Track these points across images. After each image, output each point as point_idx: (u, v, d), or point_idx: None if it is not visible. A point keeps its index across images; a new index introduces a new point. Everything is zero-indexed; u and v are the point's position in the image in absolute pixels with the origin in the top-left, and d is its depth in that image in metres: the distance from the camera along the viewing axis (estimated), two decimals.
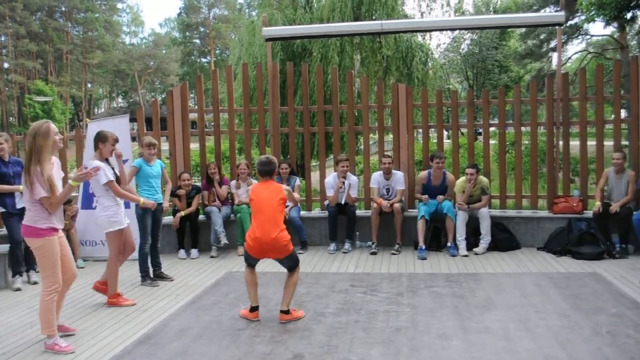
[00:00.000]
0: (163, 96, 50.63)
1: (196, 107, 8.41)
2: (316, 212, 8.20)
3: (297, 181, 7.87)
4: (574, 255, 6.68)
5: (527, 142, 9.72)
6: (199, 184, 8.01)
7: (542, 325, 4.36)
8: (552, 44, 22.19)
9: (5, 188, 6.01)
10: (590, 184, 8.43)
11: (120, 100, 64.18)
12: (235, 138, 8.45)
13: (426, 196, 7.31)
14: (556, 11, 17.64)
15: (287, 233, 4.59)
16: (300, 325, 4.53)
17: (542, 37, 22.73)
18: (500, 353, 3.84)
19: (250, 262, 4.76)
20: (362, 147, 9.91)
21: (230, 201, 7.86)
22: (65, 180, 4.48)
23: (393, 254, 7.18)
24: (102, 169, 5.02)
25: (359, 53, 15.49)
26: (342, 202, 7.45)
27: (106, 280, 5.32)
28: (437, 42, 38.43)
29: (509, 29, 25.55)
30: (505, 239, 7.24)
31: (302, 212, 7.99)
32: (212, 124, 8.54)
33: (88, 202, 7.33)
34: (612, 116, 7.83)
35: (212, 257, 7.34)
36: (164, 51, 58.80)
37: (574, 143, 7.94)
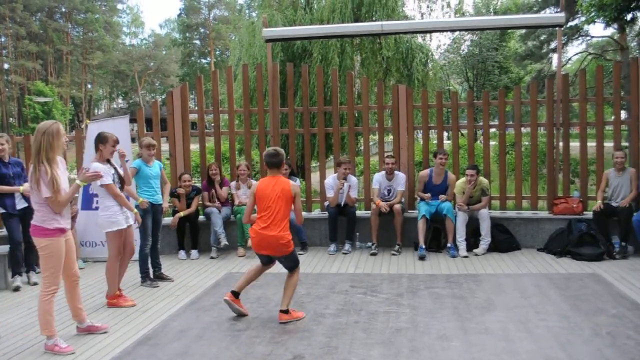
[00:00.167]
0: (163, 97, 50.63)
1: (196, 108, 8.41)
2: (316, 213, 8.21)
3: (297, 182, 7.86)
4: (574, 256, 6.68)
5: (527, 143, 9.72)
6: (198, 184, 8.00)
7: (542, 326, 4.36)
8: (552, 45, 22.20)
9: (5, 189, 6.01)
10: (590, 185, 8.44)
11: (120, 101, 64.19)
12: (235, 139, 8.45)
13: (429, 195, 7.31)
14: (556, 12, 17.65)
15: (288, 233, 4.59)
16: (300, 326, 4.53)
17: (542, 38, 22.74)
18: (501, 354, 3.83)
19: (260, 258, 4.78)
20: (362, 148, 9.91)
21: (230, 202, 7.85)
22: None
23: (393, 254, 7.18)
24: (102, 170, 5.02)
25: (359, 54, 15.50)
26: (342, 203, 7.45)
27: (114, 293, 5.32)
28: (438, 43, 38.41)
29: (509, 30, 25.52)
30: (505, 239, 7.24)
31: (302, 213, 7.96)
32: (212, 124, 8.54)
33: (88, 202, 7.33)
34: (612, 117, 7.83)
35: (212, 258, 7.34)
36: (164, 52, 58.82)
37: (574, 144, 7.94)
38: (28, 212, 6.24)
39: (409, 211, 7.79)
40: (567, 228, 7.06)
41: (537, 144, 7.90)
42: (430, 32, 16.41)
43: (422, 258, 6.85)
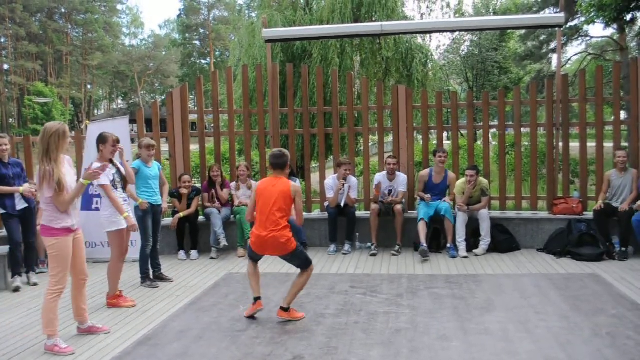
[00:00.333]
0: (163, 98, 50.63)
1: (196, 108, 8.41)
2: (316, 213, 8.21)
3: (297, 183, 7.86)
4: (573, 257, 6.68)
5: (527, 144, 9.72)
6: (198, 185, 8.00)
7: (542, 326, 4.36)
8: (552, 45, 22.18)
9: (5, 189, 6.01)
10: (590, 186, 8.43)
11: (120, 101, 64.19)
12: (235, 139, 8.45)
13: (429, 195, 7.31)
14: (556, 13, 17.67)
15: (288, 231, 4.59)
16: (300, 326, 4.53)
17: (542, 38, 22.73)
18: (500, 354, 3.84)
19: (254, 257, 4.79)
20: (362, 148, 9.91)
21: (230, 202, 7.85)
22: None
23: (393, 255, 7.18)
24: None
25: (358, 54, 15.49)
26: (342, 204, 7.45)
27: (114, 293, 5.32)
28: (437, 44, 38.52)
29: (509, 31, 25.56)
30: (505, 240, 7.24)
31: (303, 214, 7.97)
32: (212, 125, 8.54)
33: (88, 203, 7.32)
34: (612, 118, 7.83)
35: (211, 258, 7.34)
36: (163, 53, 58.81)
37: (574, 144, 7.94)
38: (28, 213, 6.29)
39: (409, 212, 7.79)
40: (567, 228, 7.06)
41: (536, 145, 7.90)
42: (430, 32, 16.40)
43: (424, 254, 6.79)
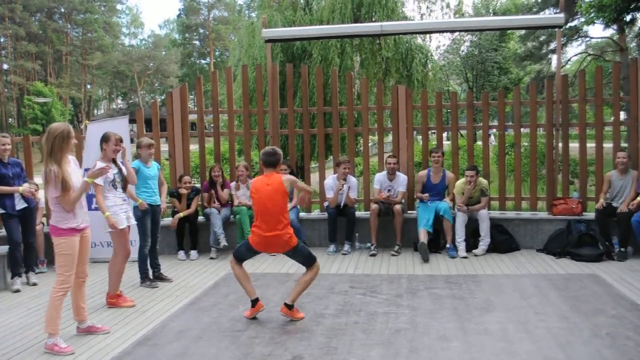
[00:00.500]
0: (162, 97, 50.61)
1: (196, 108, 8.41)
2: (315, 213, 8.21)
3: (298, 182, 7.85)
4: (573, 257, 6.68)
5: (526, 144, 9.73)
6: (198, 185, 8.00)
7: (542, 326, 4.36)
8: (552, 46, 22.20)
9: (5, 189, 6.01)
10: (589, 186, 8.43)
11: (119, 101, 64.18)
12: (234, 139, 8.45)
13: (427, 195, 7.32)
14: (556, 13, 17.68)
15: (290, 228, 4.60)
16: (300, 326, 4.53)
17: (541, 39, 22.75)
18: (500, 355, 3.84)
19: (245, 257, 4.77)
20: (361, 148, 9.91)
21: (230, 203, 7.85)
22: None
23: (393, 255, 7.18)
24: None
25: (358, 55, 15.48)
26: (342, 204, 7.45)
27: (115, 293, 5.32)
28: (437, 44, 38.50)
29: (509, 31, 25.57)
30: (504, 240, 7.24)
31: (302, 214, 7.99)
32: (212, 125, 8.54)
33: (88, 203, 7.29)
34: (612, 118, 7.84)
35: (211, 258, 7.34)
36: (163, 52, 58.81)
37: (574, 145, 7.95)
38: (27, 213, 6.29)
39: (409, 212, 7.79)
40: (567, 229, 7.06)
41: (536, 145, 7.90)
42: (430, 32, 16.37)
43: (423, 247, 6.79)
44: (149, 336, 4.42)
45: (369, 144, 8.81)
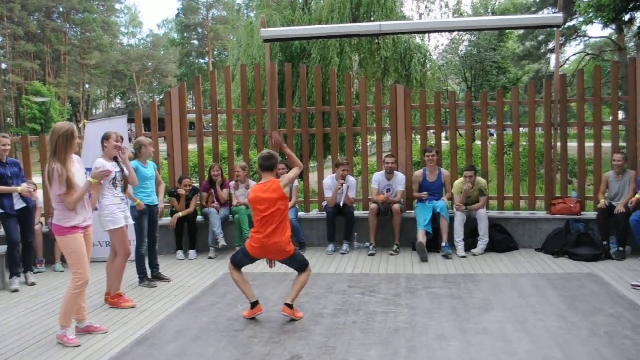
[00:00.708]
0: (161, 97, 50.59)
1: (194, 108, 8.40)
2: (314, 213, 8.20)
3: (296, 182, 7.87)
4: (571, 257, 6.69)
5: (525, 144, 9.72)
6: (197, 185, 8.00)
7: (540, 326, 4.36)
8: (551, 45, 22.20)
9: (4, 189, 6.00)
10: (588, 186, 8.44)
11: (118, 101, 64.14)
12: (233, 139, 8.45)
13: (425, 193, 7.33)
14: (554, 13, 17.67)
15: (289, 236, 4.61)
16: (299, 326, 4.53)
17: (540, 38, 22.75)
18: (499, 354, 3.84)
19: (243, 264, 4.76)
20: (360, 148, 9.91)
21: (229, 202, 7.84)
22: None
23: (391, 255, 7.18)
24: (101, 166, 5.10)
25: (357, 54, 15.48)
26: (341, 204, 7.45)
27: (116, 293, 5.32)
28: (436, 44, 38.49)
29: (508, 31, 25.54)
30: (503, 240, 7.24)
31: (301, 214, 7.99)
32: (211, 125, 8.54)
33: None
34: (610, 118, 7.84)
35: (210, 258, 7.34)
36: (162, 52, 58.77)
37: (572, 144, 7.95)
38: (26, 213, 6.28)
39: (408, 211, 7.79)
40: (565, 228, 7.07)
41: (535, 145, 7.91)
42: (429, 32, 16.39)
43: (420, 247, 6.80)
44: (148, 336, 4.41)
45: (368, 144, 8.81)
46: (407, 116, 7.89)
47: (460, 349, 3.95)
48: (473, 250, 7.10)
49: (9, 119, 48.75)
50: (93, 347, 4.21)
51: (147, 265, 6.13)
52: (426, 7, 19.03)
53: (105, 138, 5.27)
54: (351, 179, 7.61)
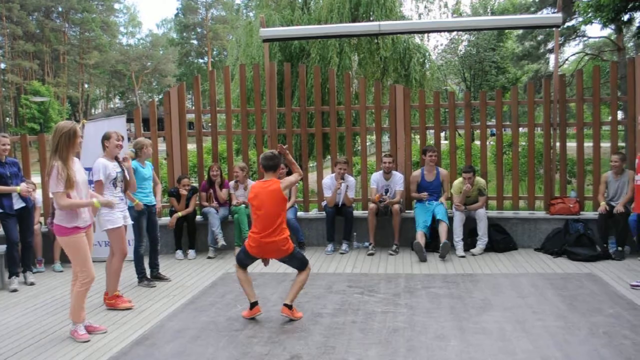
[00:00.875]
0: (160, 97, 50.56)
1: (193, 107, 8.40)
2: (313, 213, 8.20)
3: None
4: (570, 256, 6.69)
5: (524, 144, 9.73)
6: (196, 184, 7.99)
7: (539, 326, 4.37)
8: (550, 45, 22.20)
9: (3, 189, 5.99)
10: (587, 186, 8.44)
11: (117, 100, 64.07)
12: (232, 139, 8.45)
13: (426, 193, 7.33)
14: (553, 13, 17.67)
15: (287, 235, 4.61)
16: (298, 325, 4.53)
17: (539, 38, 22.75)
18: (498, 354, 3.84)
19: (246, 262, 4.76)
20: (359, 148, 9.91)
21: (228, 202, 7.84)
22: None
23: (390, 254, 7.19)
24: (102, 166, 5.18)
25: (356, 54, 15.49)
26: (340, 203, 7.45)
27: (114, 293, 5.32)
28: (435, 44, 38.43)
29: (507, 31, 25.55)
30: (502, 240, 7.25)
31: (300, 213, 7.99)
32: (210, 124, 8.53)
33: None
34: (609, 118, 7.85)
35: (209, 258, 7.34)
36: (161, 52, 58.70)
37: (571, 144, 7.96)
38: (25, 213, 6.29)
39: (407, 211, 7.79)
40: (564, 228, 7.08)
41: (534, 144, 7.92)
42: (428, 32, 16.40)
43: (418, 247, 6.79)
44: (147, 336, 4.41)
45: (367, 144, 8.81)
46: (406, 116, 7.89)
47: (459, 348, 3.95)
48: (472, 250, 7.10)
49: (7, 118, 48.68)
50: (93, 347, 4.21)
51: (146, 265, 6.13)
52: (425, 7, 19.02)
53: (106, 138, 5.31)
54: (350, 179, 7.61)
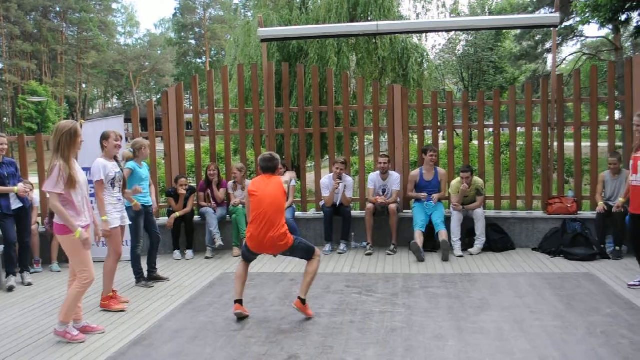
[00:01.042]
0: (158, 97, 50.47)
1: (191, 107, 8.39)
2: (311, 212, 8.20)
3: (293, 182, 7.86)
4: (566, 256, 6.70)
5: (522, 143, 9.74)
6: (193, 184, 7.98)
7: (537, 325, 4.37)
8: (547, 45, 22.24)
9: (0, 189, 5.98)
10: (584, 185, 8.45)
11: (115, 100, 63.95)
12: (230, 139, 8.44)
13: (425, 194, 7.33)
14: (551, 13, 17.69)
15: (285, 230, 4.59)
16: (296, 325, 4.53)
17: (537, 38, 22.79)
18: (495, 353, 3.85)
19: (249, 257, 4.76)
20: (357, 148, 9.91)
21: (226, 202, 7.84)
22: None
23: (388, 254, 7.19)
24: (102, 166, 5.16)
25: (354, 54, 15.49)
26: (338, 203, 7.45)
27: (107, 295, 5.30)
28: (433, 44, 38.52)
29: (505, 31, 25.60)
30: (500, 239, 7.26)
31: (298, 213, 7.99)
32: (208, 124, 8.54)
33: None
34: (607, 117, 7.86)
35: (207, 258, 7.34)
36: (159, 52, 58.63)
37: (569, 144, 7.97)
38: (23, 213, 6.27)
39: (404, 211, 7.79)
40: (562, 228, 7.09)
41: (531, 144, 7.93)
42: (426, 32, 16.42)
43: (415, 247, 6.80)
44: (145, 336, 4.41)
45: (365, 144, 8.81)
46: (404, 116, 7.89)
47: (457, 348, 3.96)
48: (470, 250, 7.11)
49: (5, 118, 48.54)
50: (90, 347, 4.21)
51: (144, 265, 6.12)
52: (423, 7, 19.06)
53: (104, 137, 5.29)
54: (348, 179, 7.62)
